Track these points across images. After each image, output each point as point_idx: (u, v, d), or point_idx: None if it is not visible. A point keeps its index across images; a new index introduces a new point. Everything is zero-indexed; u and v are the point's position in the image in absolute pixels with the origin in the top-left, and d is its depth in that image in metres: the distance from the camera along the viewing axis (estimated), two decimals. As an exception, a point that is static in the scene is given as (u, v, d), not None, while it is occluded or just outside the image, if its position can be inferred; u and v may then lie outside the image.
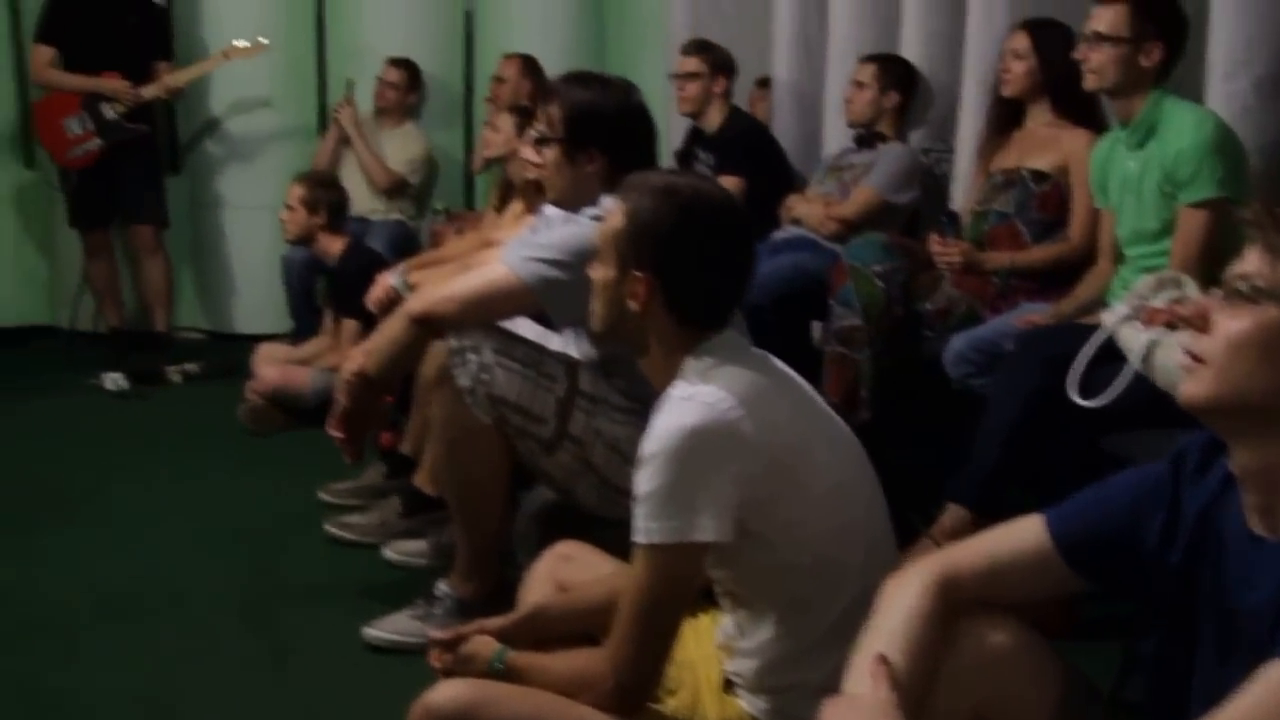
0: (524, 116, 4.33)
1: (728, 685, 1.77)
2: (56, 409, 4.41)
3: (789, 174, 4.14)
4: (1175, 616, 1.32)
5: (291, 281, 4.67)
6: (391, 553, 2.94)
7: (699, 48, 4.22)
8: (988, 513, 2.49)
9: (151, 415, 4.37)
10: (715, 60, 4.17)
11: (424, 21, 5.39)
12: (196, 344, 5.34)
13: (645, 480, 1.60)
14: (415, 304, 2.42)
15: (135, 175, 4.93)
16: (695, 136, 4.28)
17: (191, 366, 4.80)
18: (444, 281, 2.65)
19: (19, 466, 3.72)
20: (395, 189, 5.06)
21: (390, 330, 2.45)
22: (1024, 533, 1.40)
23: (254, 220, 5.30)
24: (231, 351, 4.95)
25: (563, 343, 2.49)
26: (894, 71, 3.70)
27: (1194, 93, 2.80)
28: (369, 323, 3.91)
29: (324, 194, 4.17)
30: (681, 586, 1.63)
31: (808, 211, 3.69)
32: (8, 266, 5.38)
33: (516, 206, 4.12)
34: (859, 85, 3.72)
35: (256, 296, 5.31)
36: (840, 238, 3.50)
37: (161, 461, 3.83)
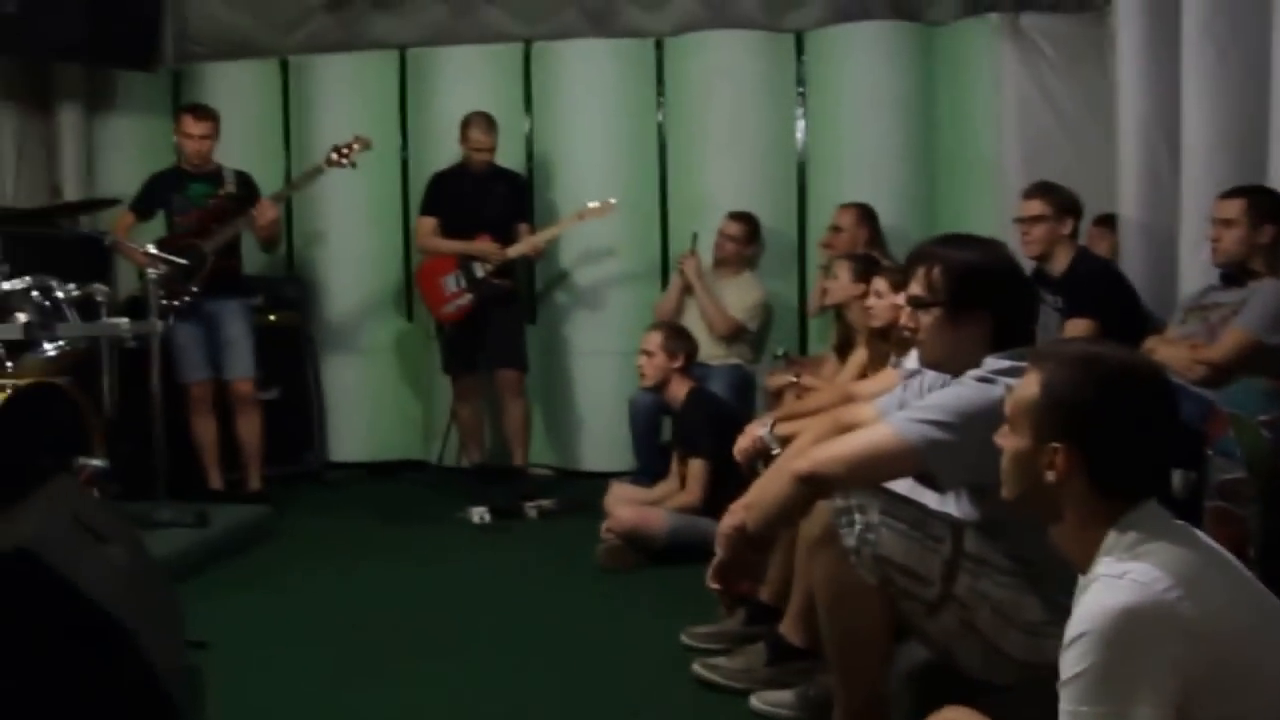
0: (862, 265, 4.44)
1: None
2: (427, 538, 4.79)
3: (1142, 315, 4.03)
4: None
5: (638, 423, 4.91)
6: (759, 702, 2.97)
7: (1044, 190, 4.20)
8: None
9: (513, 548, 4.65)
10: (1061, 202, 4.14)
11: (759, 173, 5.64)
12: (548, 480, 5.67)
13: (1074, 662, 1.57)
14: (803, 464, 2.49)
15: (501, 326, 5.39)
16: (1039, 278, 4.24)
17: (547, 503, 5.08)
18: (814, 435, 2.73)
19: (394, 596, 4.03)
20: (734, 335, 5.27)
21: (773, 487, 2.54)
22: None
23: (600, 365, 5.67)
24: (580, 488, 5.24)
25: (940, 502, 2.51)
26: (1265, 204, 3.56)
27: None
28: (716, 464, 4.07)
29: (681, 342, 4.41)
30: None
31: (1172, 355, 3.56)
32: (388, 407, 5.99)
33: (860, 354, 4.20)
34: (1226, 223, 3.59)
35: (603, 437, 5.60)
36: (1208, 382, 3.36)
37: (524, 595, 4.04)
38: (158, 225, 5.17)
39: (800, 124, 5.69)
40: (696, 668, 3.18)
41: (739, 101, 5.62)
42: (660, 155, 5.77)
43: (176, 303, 4.91)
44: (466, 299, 5.34)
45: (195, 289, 4.99)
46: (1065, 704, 1.59)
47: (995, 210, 4.68)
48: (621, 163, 5.72)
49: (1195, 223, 3.88)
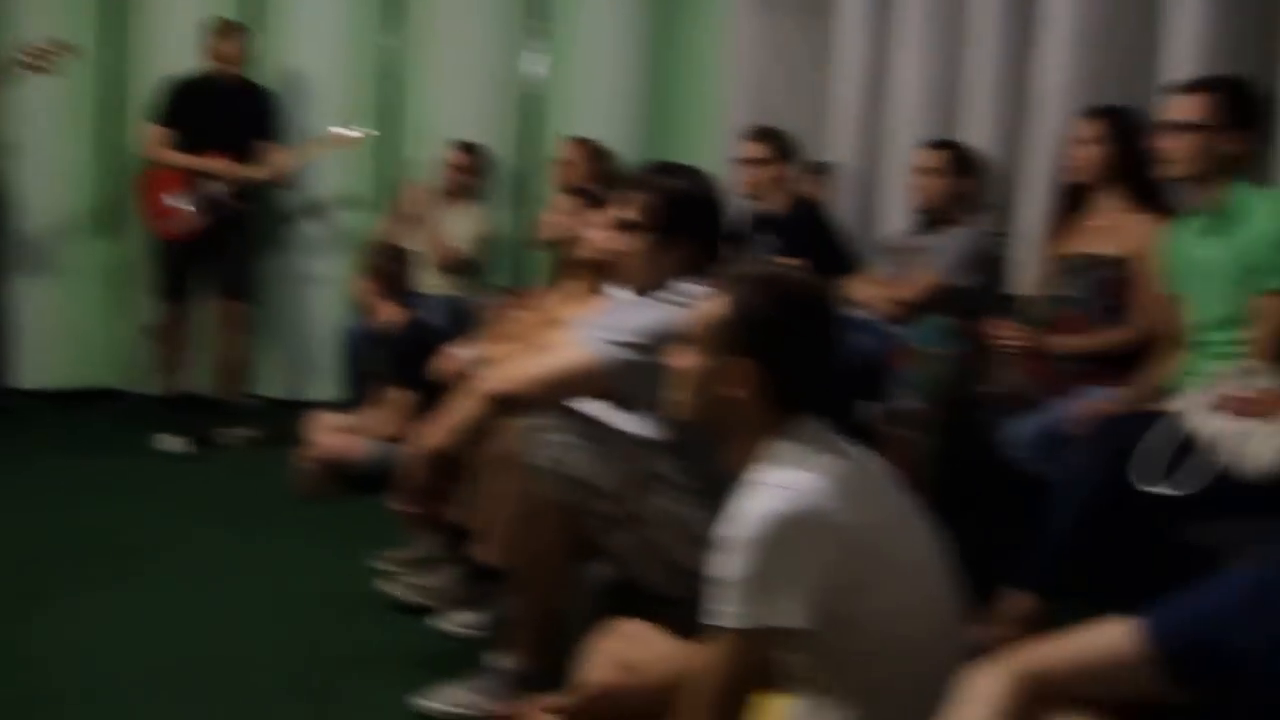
0: (587, 200, 4.40)
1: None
2: (116, 468, 4.50)
3: (849, 257, 4.17)
4: None
5: (351, 351, 4.73)
6: (448, 623, 2.93)
7: (765, 134, 4.27)
8: (1052, 599, 2.47)
9: (210, 479, 4.44)
10: (781, 146, 4.23)
11: (489, 104, 5.51)
12: (256, 409, 5.39)
13: (729, 565, 1.60)
14: (495, 384, 2.45)
15: (231, 253, 5.04)
16: (757, 220, 4.31)
17: (250, 432, 4.87)
18: (515, 360, 2.68)
19: (74, 522, 3.79)
20: (455, 266, 5.14)
21: (466, 408, 2.48)
22: (1117, 637, 1.31)
23: (322, 294, 5.46)
24: (292, 418, 5.01)
25: (633, 425, 2.50)
26: (961, 157, 3.73)
27: (1266, 178, 2.79)
28: (427, 395, 3.96)
29: (384, 262, 4.25)
30: (757, 672, 1.62)
31: (870, 294, 3.70)
32: (87, 332, 5.54)
33: (575, 285, 4.16)
34: (930, 171, 3.74)
35: (326, 366, 5.37)
36: (900, 320, 3.50)
37: (217, 525, 3.87)
38: None
39: (534, 56, 5.58)
40: (386, 588, 3.11)
41: (471, 30, 5.47)
42: (388, 81, 5.56)
43: None
44: (194, 219, 4.95)
45: None
46: (718, 603, 1.60)
47: (722, 150, 4.72)
48: (352, 86, 5.48)
49: (899, 170, 4.03)
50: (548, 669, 2.41)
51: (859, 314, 3.69)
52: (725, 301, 1.78)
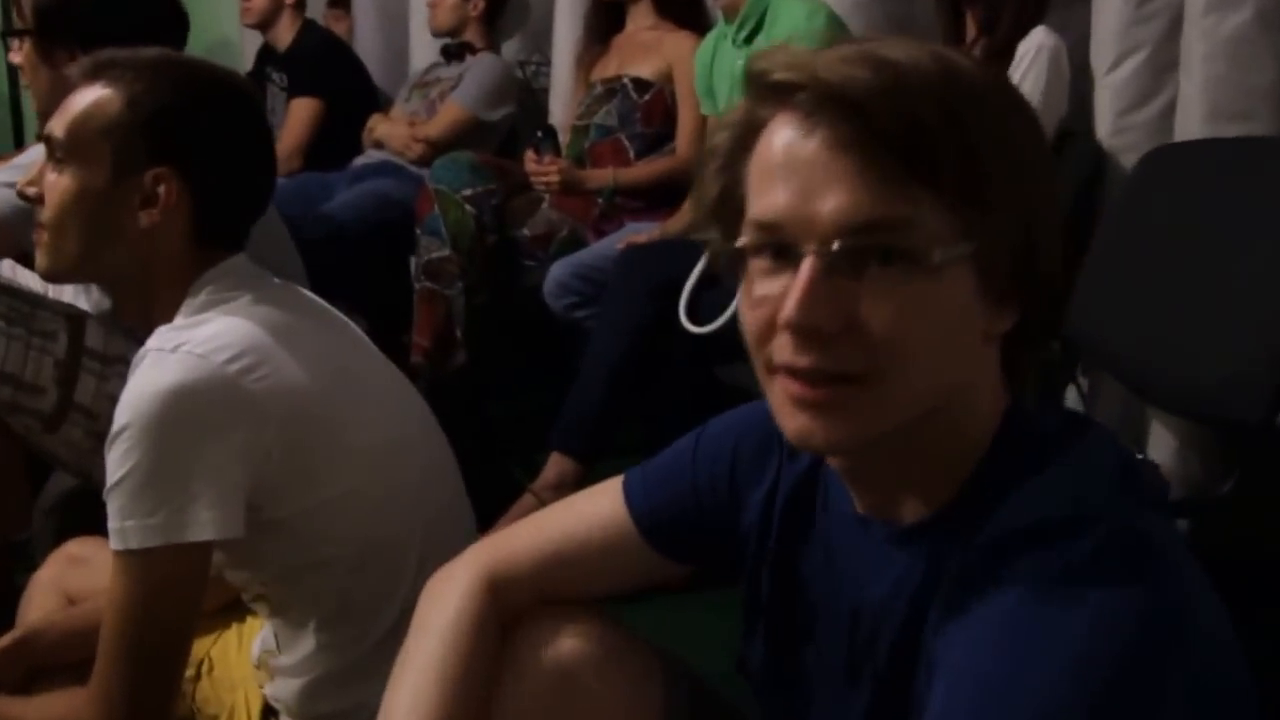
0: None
1: (269, 713, 1.37)
2: None
3: (373, 94, 3.69)
4: (781, 615, 0.96)
5: None
6: None
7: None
8: (595, 461, 2.22)
9: None
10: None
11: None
12: None
13: (118, 462, 1.17)
14: None
15: None
16: (266, 54, 3.74)
17: None
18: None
19: None
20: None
21: None
22: (601, 503, 1.02)
23: None
24: None
25: (73, 293, 1.97)
26: None
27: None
28: None
29: None
30: (177, 601, 1.20)
31: (391, 133, 3.26)
32: None
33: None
34: None
35: None
36: (427, 160, 3.08)
37: None
38: None
39: None
40: None
41: None
42: None
43: None
44: None
45: None
46: (112, 519, 1.17)
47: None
48: None
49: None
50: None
51: (384, 156, 3.26)
52: (110, 96, 1.28)
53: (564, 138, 2.94)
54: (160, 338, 1.22)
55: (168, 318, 1.27)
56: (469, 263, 2.65)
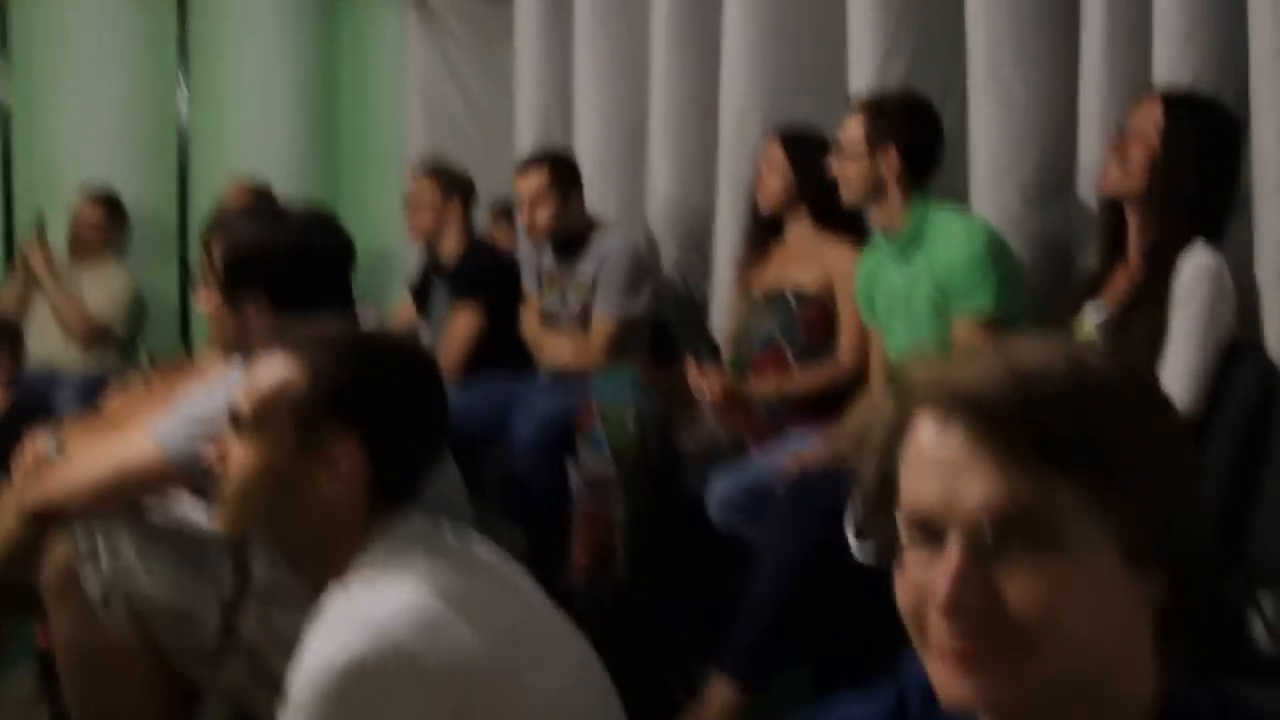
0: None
1: None
2: None
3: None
4: None
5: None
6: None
7: (431, 170, 3.83)
8: (759, 689, 2.11)
9: None
10: (449, 183, 3.78)
11: (127, 145, 4.79)
12: None
13: None
14: (30, 493, 1.91)
15: None
16: (433, 264, 3.86)
17: None
18: (76, 456, 2.10)
19: None
20: (96, 337, 4.40)
21: (6, 524, 1.93)
22: None
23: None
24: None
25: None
26: (564, 172, 3.36)
27: (960, 200, 2.58)
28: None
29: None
30: None
31: (557, 355, 3.30)
32: None
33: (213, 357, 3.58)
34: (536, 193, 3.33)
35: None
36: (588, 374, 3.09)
37: None
38: None
39: (182, 91, 4.92)
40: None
41: (104, 61, 4.76)
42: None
43: None
44: None
45: None
46: None
47: (399, 192, 4.25)
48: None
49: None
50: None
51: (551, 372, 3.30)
52: (294, 368, 1.35)
53: (725, 349, 2.92)
54: (336, 608, 1.24)
55: (339, 573, 1.31)
56: (630, 478, 2.62)
